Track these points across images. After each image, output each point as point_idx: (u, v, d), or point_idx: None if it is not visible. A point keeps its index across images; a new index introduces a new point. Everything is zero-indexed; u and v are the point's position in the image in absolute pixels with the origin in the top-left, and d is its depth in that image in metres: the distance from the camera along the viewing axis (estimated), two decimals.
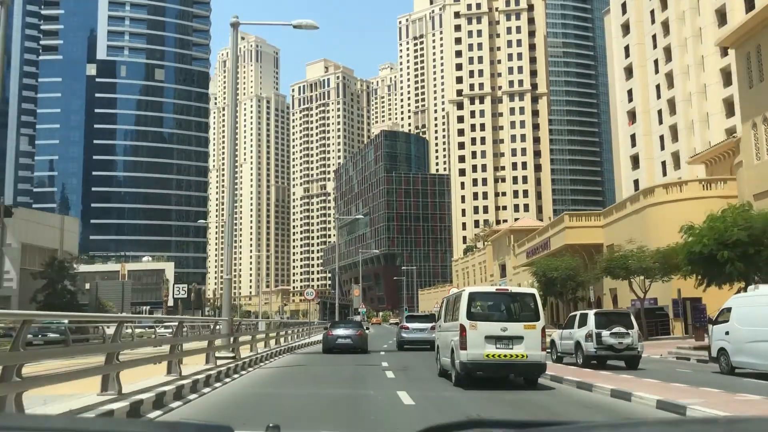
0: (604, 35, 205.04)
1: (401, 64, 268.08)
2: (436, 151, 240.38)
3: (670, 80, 73.18)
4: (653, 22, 77.06)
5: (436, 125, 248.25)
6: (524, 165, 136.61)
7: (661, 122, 77.10)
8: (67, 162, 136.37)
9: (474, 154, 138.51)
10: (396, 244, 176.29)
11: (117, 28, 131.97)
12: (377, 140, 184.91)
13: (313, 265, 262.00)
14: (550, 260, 55.84)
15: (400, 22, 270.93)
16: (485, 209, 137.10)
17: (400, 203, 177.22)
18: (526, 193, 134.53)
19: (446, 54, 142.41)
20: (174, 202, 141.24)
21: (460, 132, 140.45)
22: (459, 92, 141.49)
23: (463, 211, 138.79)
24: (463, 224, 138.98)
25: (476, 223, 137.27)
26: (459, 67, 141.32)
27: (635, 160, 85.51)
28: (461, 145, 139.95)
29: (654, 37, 77.13)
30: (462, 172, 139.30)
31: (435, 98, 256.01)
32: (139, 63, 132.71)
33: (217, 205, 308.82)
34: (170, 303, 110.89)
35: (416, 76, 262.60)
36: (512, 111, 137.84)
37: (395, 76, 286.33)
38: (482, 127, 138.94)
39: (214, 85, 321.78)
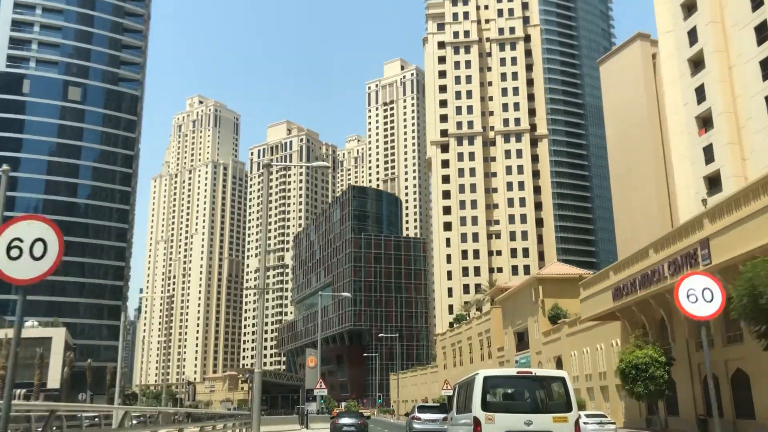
0: (591, 84, 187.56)
1: (369, 130, 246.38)
2: (406, 215, 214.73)
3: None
4: None
5: (406, 193, 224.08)
6: (523, 218, 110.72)
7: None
8: None
9: (462, 204, 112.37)
10: (363, 318, 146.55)
11: (23, 35, 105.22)
12: (344, 197, 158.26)
13: (266, 347, 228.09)
14: None
15: (369, 88, 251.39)
16: (476, 271, 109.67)
17: (369, 270, 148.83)
18: (526, 252, 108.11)
19: (428, 89, 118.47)
20: (87, 269, 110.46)
21: (445, 179, 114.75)
22: (444, 132, 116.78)
23: (449, 273, 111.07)
24: (449, 290, 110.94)
25: (465, 288, 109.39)
26: (444, 103, 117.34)
27: (712, 181, 60.05)
28: (446, 194, 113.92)
29: None
30: (447, 227, 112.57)
31: (405, 165, 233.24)
32: (51, 78, 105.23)
33: (164, 278, 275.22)
34: (55, 383, 79.33)
35: (386, 142, 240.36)
36: (507, 154, 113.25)
37: (362, 148, 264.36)
38: (472, 172, 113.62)
39: (169, 152, 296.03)
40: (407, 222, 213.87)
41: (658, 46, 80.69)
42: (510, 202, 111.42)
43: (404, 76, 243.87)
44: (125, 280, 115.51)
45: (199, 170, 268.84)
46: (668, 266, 29.60)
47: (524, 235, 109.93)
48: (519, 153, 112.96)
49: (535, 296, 61.25)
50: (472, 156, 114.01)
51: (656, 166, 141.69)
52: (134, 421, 33.28)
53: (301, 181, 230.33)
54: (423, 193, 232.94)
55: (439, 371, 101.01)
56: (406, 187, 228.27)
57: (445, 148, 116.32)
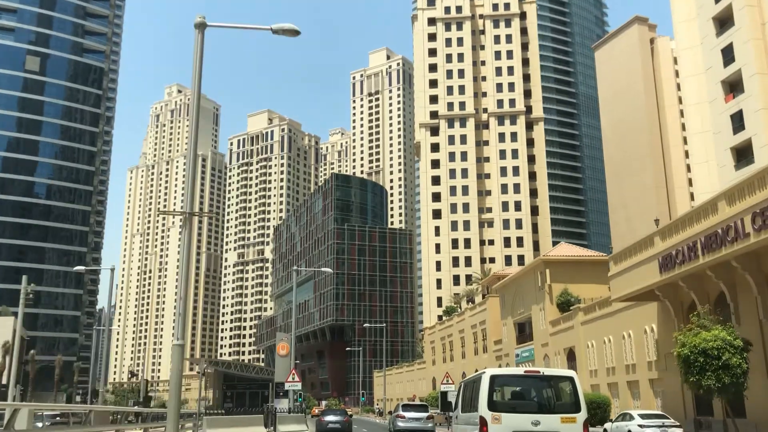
0: (585, 73, 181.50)
1: (354, 122, 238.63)
2: (391, 209, 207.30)
3: None
4: None
5: (391, 186, 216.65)
6: (517, 205, 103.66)
7: None
8: None
9: (453, 190, 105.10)
10: (346, 313, 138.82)
11: None
12: (327, 186, 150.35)
13: (244, 344, 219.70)
14: None
15: (353, 78, 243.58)
16: (467, 261, 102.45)
17: (353, 262, 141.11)
18: (520, 241, 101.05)
19: (417, 69, 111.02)
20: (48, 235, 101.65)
21: (435, 163, 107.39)
22: (434, 114, 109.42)
23: (438, 264, 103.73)
24: (438, 281, 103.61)
25: (455, 280, 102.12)
26: (434, 83, 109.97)
27: (741, 152, 53.16)
28: (435, 180, 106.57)
29: None
30: (437, 214, 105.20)
31: (391, 158, 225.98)
32: (7, 46, 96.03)
33: (139, 273, 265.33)
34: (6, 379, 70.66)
35: (370, 134, 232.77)
36: (501, 137, 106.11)
37: (346, 142, 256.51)
38: (463, 156, 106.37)
39: (147, 143, 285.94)
40: (392, 216, 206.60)
41: (671, 8, 73.78)
42: (504, 189, 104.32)
43: (390, 66, 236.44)
44: (89, 263, 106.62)
45: (177, 162, 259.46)
46: (753, 219, 22.27)
47: (518, 224, 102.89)
48: (513, 136, 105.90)
49: (542, 281, 53.99)
50: (463, 139, 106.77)
51: (654, 154, 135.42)
52: (47, 423, 25.66)
53: (282, 172, 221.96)
54: (408, 186, 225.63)
55: (427, 367, 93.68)
56: (391, 181, 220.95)
57: (434, 131, 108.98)
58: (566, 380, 12.94)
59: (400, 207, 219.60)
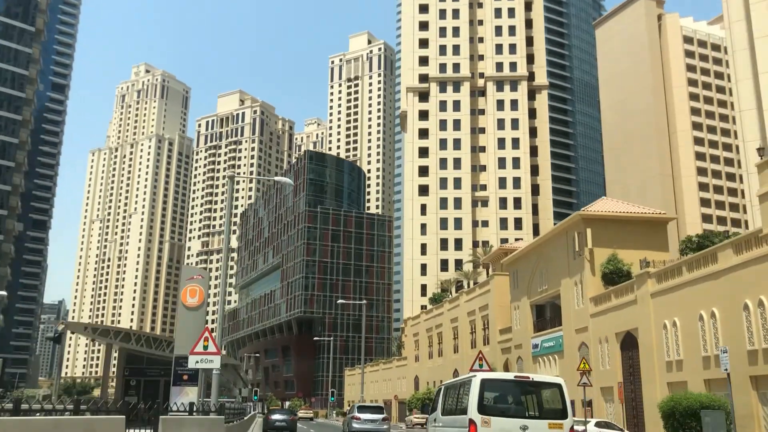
0: (580, 58, 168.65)
1: (331, 108, 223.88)
2: (368, 199, 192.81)
3: None
4: None
5: (369, 177, 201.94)
6: (516, 182, 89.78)
7: None
8: None
9: (443, 163, 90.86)
10: (315, 304, 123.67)
11: None
12: (299, 164, 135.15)
13: None
14: None
15: (332, 62, 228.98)
16: (458, 244, 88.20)
17: (325, 249, 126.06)
18: (518, 224, 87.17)
19: (406, 26, 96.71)
20: None
21: (423, 133, 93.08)
22: (423, 78, 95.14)
23: (423, 246, 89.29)
24: (423, 266, 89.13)
25: (443, 265, 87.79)
26: (424, 43, 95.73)
27: None
28: (423, 152, 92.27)
29: None
30: (423, 190, 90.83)
31: (369, 147, 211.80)
32: None
33: (97, 261, 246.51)
34: None
35: (348, 121, 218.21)
36: (500, 105, 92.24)
37: (322, 132, 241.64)
38: (456, 125, 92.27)
39: (112, 126, 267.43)
40: (368, 207, 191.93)
41: None
42: (501, 163, 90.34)
43: (371, 51, 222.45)
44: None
45: (142, 144, 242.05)
46: None
47: (517, 203, 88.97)
48: (514, 104, 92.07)
49: (579, 245, 39.80)
50: (457, 105, 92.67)
51: (660, 139, 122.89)
52: None
53: (252, 157, 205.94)
54: (387, 178, 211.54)
55: (409, 365, 79.17)
56: (369, 171, 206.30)
57: (424, 96, 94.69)
58: (554, 387, 13.10)
59: (378, 199, 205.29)
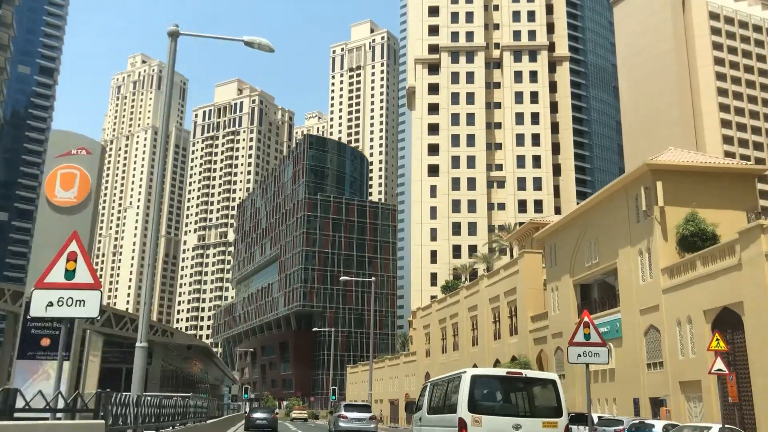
0: (595, 41, 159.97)
1: (333, 99, 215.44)
2: (370, 192, 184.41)
3: None
4: None
5: (371, 170, 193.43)
6: (536, 161, 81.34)
7: None
8: None
9: (455, 140, 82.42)
10: (315, 298, 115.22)
11: None
12: (299, 149, 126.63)
13: (201, 336, 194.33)
14: None
15: (334, 52, 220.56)
16: (471, 228, 79.69)
17: (325, 239, 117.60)
18: (539, 206, 78.67)
19: None
20: None
21: (433, 108, 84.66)
22: (433, 48, 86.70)
23: (433, 231, 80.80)
24: (432, 253, 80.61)
25: (455, 251, 79.24)
26: (434, 11, 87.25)
27: None
28: (433, 128, 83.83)
29: None
30: (433, 170, 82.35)
31: (371, 139, 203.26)
32: None
33: (92, 257, 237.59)
34: None
35: (350, 112, 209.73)
36: (517, 77, 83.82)
37: (323, 126, 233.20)
38: (469, 98, 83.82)
39: (108, 119, 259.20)
40: (371, 198, 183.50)
41: None
42: (519, 140, 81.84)
43: (374, 40, 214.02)
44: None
45: (138, 136, 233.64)
46: None
47: (537, 184, 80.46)
48: (533, 76, 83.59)
49: (646, 204, 31.29)
50: (470, 77, 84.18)
51: (684, 122, 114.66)
52: None
53: (251, 147, 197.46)
54: (390, 171, 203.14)
55: (418, 360, 70.70)
56: (371, 163, 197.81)
57: (434, 68, 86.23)
58: (548, 383, 12.55)
59: (380, 193, 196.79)
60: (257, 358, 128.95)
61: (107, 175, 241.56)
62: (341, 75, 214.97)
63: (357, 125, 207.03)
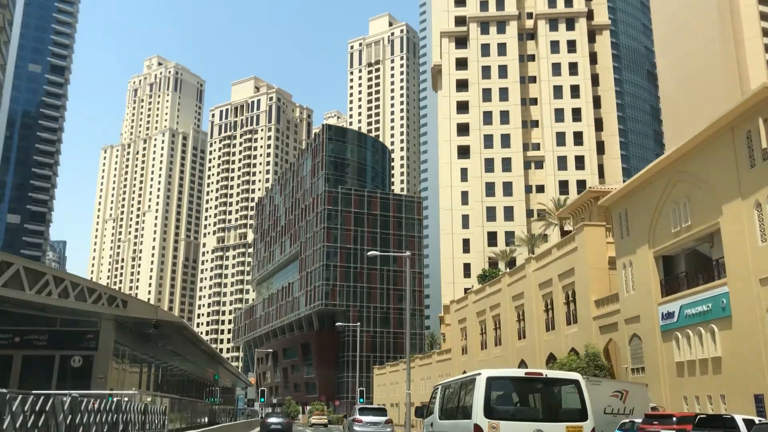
0: (626, 22, 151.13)
1: (351, 95, 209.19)
2: (392, 185, 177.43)
3: None
4: None
5: (392, 166, 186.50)
6: (577, 138, 73.71)
7: None
8: None
9: (487, 118, 75.05)
10: (338, 296, 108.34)
11: None
12: (318, 140, 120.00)
13: (221, 340, 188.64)
14: None
15: (351, 47, 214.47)
16: (508, 213, 72.19)
17: (347, 234, 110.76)
18: (582, 186, 70.89)
19: None
20: None
21: (461, 84, 77.43)
22: (460, 21, 79.54)
23: (465, 218, 73.44)
24: (465, 242, 73.25)
25: (491, 238, 71.83)
26: None
27: None
28: (462, 106, 76.56)
29: None
30: (463, 152, 75.10)
31: (392, 135, 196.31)
32: None
33: (111, 262, 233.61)
34: None
35: (369, 108, 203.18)
36: (554, 47, 76.30)
37: (342, 125, 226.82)
38: (502, 72, 76.46)
39: (125, 123, 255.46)
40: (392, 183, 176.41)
41: None
42: (558, 115, 74.25)
43: (392, 34, 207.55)
44: None
45: (155, 139, 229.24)
46: None
47: (579, 163, 72.77)
48: (571, 46, 75.99)
49: (767, 140, 23.77)
50: (502, 49, 76.79)
51: (731, 98, 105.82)
52: None
53: (269, 146, 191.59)
54: (411, 167, 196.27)
55: (453, 358, 63.49)
56: (392, 160, 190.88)
57: (461, 41, 79.02)
58: (571, 384, 11.49)
59: (402, 190, 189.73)
60: (279, 361, 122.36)
61: (125, 179, 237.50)
62: (360, 71, 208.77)
63: (377, 121, 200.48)
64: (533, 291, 46.09)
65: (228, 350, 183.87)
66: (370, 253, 32.85)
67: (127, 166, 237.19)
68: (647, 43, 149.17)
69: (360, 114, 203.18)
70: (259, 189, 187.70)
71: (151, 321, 20.48)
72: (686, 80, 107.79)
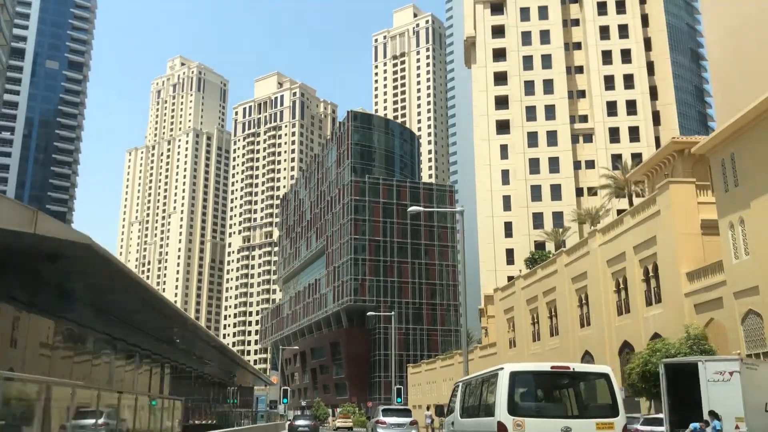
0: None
1: (376, 89, 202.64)
2: (420, 177, 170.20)
3: None
4: None
5: (420, 161, 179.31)
6: (631, 107, 66.02)
7: None
8: None
9: (529, 88, 67.70)
10: (367, 292, 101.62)
11: None
12: (343, 128, 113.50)
13: (249, 342, 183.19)
14: None
15: (376, 40, 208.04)
16: (555, 192, 64.70)
17: (375, 226, 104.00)
18: (638, 160, 63.03)
19: None
20: None
21: (499, 53, 70.21)
22: None
23: (507, 199, 66.10)
24: (507, 225, 65.87)
25: (536, 220, 64.37)
26: None
27: None
28: (500, 78, 69.32)
29: None
30: (503, 127, 67.82)
31: (419, 128, 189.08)
32: None
33: (137, 265, 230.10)
34: None
35: (395, 102, 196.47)
36: (602, 8, 68.76)
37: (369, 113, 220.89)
38: (544, 38, 69.12)
39: (150, 126, 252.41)
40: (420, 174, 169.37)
41: None
42: (608, 83, 66.62)
43: (417, 25, 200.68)
44: None
45: (179, 140, 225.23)
46: None
47: (633, 134, 65.05)
48: (620, 6, 68.34)
49: None
50: (543, 12, 69.43)
51: None
52: None
53: (293, 142, 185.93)
54: (440, 161, 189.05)
55: (499, 353, 56.29)
56: (420, 154, 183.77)
57: (497, 7, 71.81)
58: (601, 377, 10.82)
59: (430, 185, 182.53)
60: (307, 362, 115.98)
61: (150, 180, 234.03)
62: (384, 64, 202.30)
63: (403, 114, 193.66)
64: (599, 269, 38.78)
65: (255, 352, 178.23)
66: (411, 209, 25.78)
67: (151, 168, 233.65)
68: (689, 20, 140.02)
69: (386, 108, 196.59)
70: (284, 186, 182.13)
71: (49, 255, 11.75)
72: (737, 53, 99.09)
